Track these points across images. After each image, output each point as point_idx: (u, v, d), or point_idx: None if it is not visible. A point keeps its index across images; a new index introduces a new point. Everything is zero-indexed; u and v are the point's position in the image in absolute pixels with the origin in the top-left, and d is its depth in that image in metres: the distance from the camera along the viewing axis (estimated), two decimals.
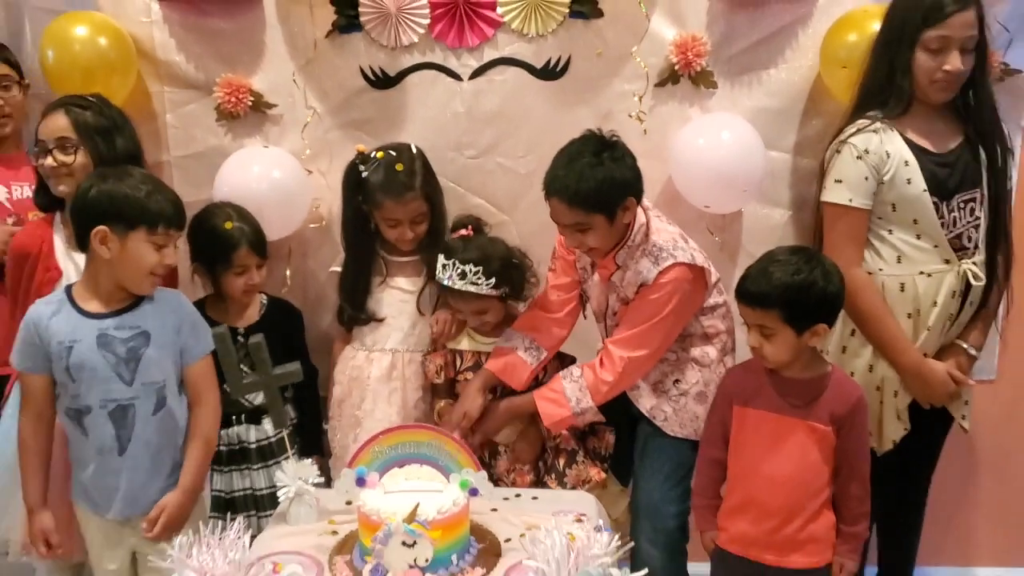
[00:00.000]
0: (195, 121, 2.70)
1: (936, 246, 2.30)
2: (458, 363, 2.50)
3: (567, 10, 2.57)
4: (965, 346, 2.38)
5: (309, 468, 2.06)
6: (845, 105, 2.43)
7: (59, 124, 2.30)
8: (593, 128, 2.30)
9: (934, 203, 2.28)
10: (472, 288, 2.35)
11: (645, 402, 2.42)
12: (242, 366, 2.12)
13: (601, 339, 2.49)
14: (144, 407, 2.07)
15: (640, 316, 2.30)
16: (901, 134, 2.31)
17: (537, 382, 2.45)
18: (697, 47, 2.57)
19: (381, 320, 2.56)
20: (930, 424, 2.44)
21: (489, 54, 2.63)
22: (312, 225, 2.74)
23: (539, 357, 2.42)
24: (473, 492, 1.90)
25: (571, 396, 2.33)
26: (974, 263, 2.32)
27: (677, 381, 2.40)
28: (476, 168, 2.71)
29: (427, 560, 1.75)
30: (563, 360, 2.54)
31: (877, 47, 2.33)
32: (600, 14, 2.58)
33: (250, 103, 2.67)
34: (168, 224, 2.05)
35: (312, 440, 2.57)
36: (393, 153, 2.49)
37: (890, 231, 2.32)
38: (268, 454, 2.48)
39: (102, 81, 2.51)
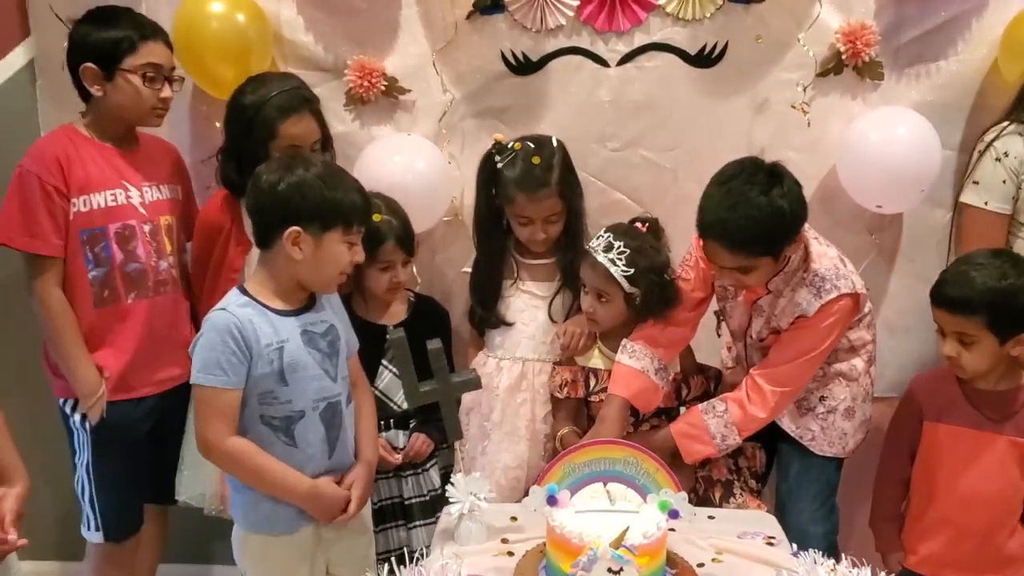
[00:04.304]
0: (322, 106, 2.50)
1: None
2: (591, 383, 2.33)
3: None
4: None
5: (480, 482, 1.92)
6: None
7: (312, 128, 2.30)
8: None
9: None
10: (608, 264, 2.19)
11: (789, 422, 2.29)
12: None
13: (741, 364, 2.38)
14: (345, 402, 1.97)
15: (796, 350, 2.17)
16: None
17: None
18: (867, 36, 2.42)
19: (510, 324, 2.42)
20: None
21: (640, 39, 2.50)
22: (445, 219, 2.59)
23: (667, 378, 2.29)
24: (673, 514, 1.77)
25: (715, 433, 2.20)
26: None
27: (823, 398, 2.29)
28: (619, 161, 2.57)
29: None
30: (705, 372, 2.42)
31: None
32: None
33: (383, 88, 2.52)
34: (362, 221, 1.92)
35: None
36: (532, 145, 2.34)
37: None
38: (419, 461, 2.35)
39: (239, 62, 2.38)
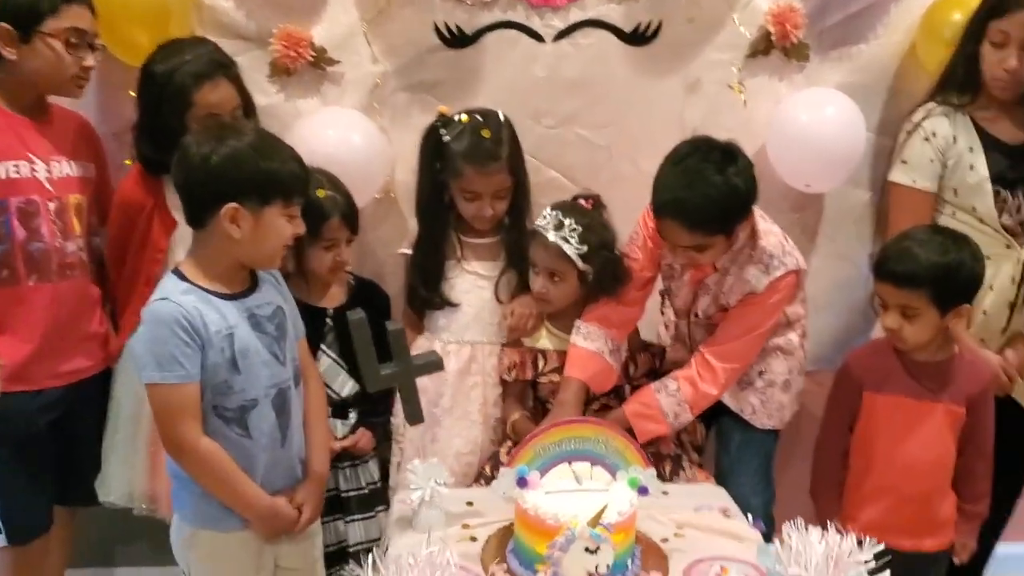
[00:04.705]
0: (244, 77, 2.33)
1: (996, 231, 2.28)
2: (540, 364, 2.29)
3: None
4: None
5: (439, 468, 1.86)
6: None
7: (230, 94, 2.14)
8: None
9: (996, 191, 2.28)
10: (561, 243, 2.16)
11: (729, 397, 2.32)
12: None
13: (682, 341, 2.37)
14: (294, 387, 1.86)
15: (743, 326, 2.20)
16: (974, 121, 2.31)
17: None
18: (795, 18, 2.45)
19: (456, 306, 2.34)
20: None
21: (576, 15, 2.44)
22: (376, 196, 2.47)
23: (620, 358, 2.28)
24: (643, 491, 1.76)
25: (668, 411, 2.21)
26: None
27: (762, 372, 2.32)
28: (554, 138, 2.50)
29: (608, 567, 1.61)
30: (650, 350, 2.41)
31: (963, 31, 2.30)
32: None
33: (310, 58, 2.38)
34: (302, 191, 1.79)
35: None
36: (480, 118, 2.27)
37: (953, 214, 2.32)
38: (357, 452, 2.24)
39: (155, 26, 2.20)
